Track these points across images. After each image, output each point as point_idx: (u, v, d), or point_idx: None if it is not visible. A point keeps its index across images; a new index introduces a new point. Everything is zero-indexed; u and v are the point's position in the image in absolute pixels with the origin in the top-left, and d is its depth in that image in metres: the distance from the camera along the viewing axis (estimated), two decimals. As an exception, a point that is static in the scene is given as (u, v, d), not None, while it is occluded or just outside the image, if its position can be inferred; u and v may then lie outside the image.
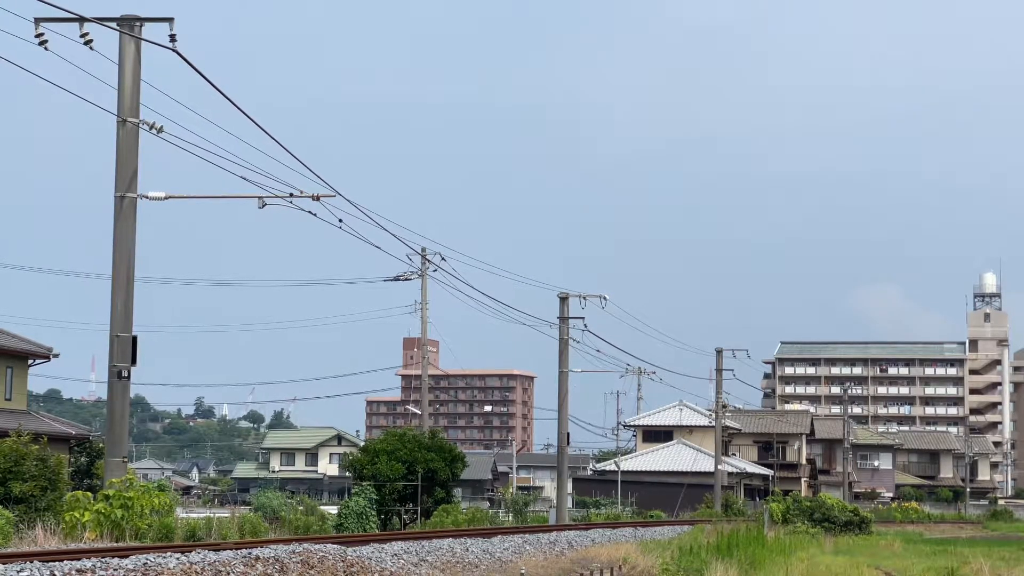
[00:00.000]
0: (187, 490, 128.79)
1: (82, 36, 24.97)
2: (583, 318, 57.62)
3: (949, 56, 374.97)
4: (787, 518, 64.96)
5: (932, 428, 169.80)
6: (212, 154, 26.81)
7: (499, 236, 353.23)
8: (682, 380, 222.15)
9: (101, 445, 50.98)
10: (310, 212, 29.49)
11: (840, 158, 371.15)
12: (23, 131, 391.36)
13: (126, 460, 28.00)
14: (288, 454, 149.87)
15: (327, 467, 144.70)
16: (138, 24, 27.31)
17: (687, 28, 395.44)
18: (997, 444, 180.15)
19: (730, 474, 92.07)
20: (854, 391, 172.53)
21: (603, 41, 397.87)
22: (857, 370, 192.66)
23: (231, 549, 19.98)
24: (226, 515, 37.95)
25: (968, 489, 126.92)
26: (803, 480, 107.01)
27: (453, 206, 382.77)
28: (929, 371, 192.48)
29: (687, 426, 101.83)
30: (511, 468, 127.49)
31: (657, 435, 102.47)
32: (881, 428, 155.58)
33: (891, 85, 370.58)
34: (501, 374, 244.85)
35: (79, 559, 16.89)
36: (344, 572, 19.56)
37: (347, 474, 63.41)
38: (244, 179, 27.73)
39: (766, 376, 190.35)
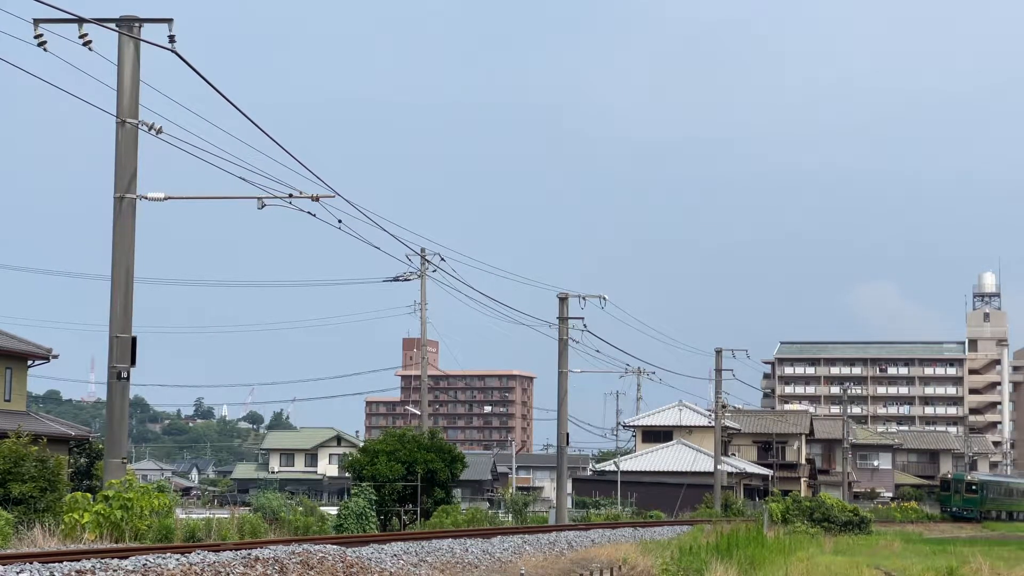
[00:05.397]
0: (187, 491, 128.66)
1: (81, 37, 24.95)
2: (583, 318, 57.57)
3: (950, 56, 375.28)
4: (787, 518, 64.98)
5: (932, 428, 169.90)
6: (211, 155, 26.81)
7: (499, 236, 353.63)
8: (682, 380, 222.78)
9: (100, 446, 50.98)
10: (309, 212, 29.48)
11: (839, 158, 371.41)
12: (23, 131, 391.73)
13: (125, 461, 27.97)
14: (287, 455, 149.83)
15: (327, 468, 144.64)
16: (137, 25, 27.27)
17: (687, 28, 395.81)
18: (997, 444, 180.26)
19: (730, 474, 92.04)
20: (853, 391, 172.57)
21: (604, 41, 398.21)
22: (856, 370, 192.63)
23: (231, 550, 19.98)
24: (225, 516, 37.94)
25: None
26: (803, 480, 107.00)
27: (453, 206, 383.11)
28: (929, 371, 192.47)
29: (687, 426, 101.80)
30: (511, 468, 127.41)
31: (657, 435, 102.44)
32: (881, 428, 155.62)
33: (890, 85, 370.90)
34: (500, 374, 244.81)
35: (79, 560, 16.90)
36: (344, 573, 19.56)
37: (347, 475, 63.37)
38: (243, 180, 27.72)
39: (766, 376, 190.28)
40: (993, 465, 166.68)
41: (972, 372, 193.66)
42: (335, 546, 22.39)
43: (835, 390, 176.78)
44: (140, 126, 27.46)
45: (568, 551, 32.10)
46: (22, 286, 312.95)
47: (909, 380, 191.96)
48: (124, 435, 28.08)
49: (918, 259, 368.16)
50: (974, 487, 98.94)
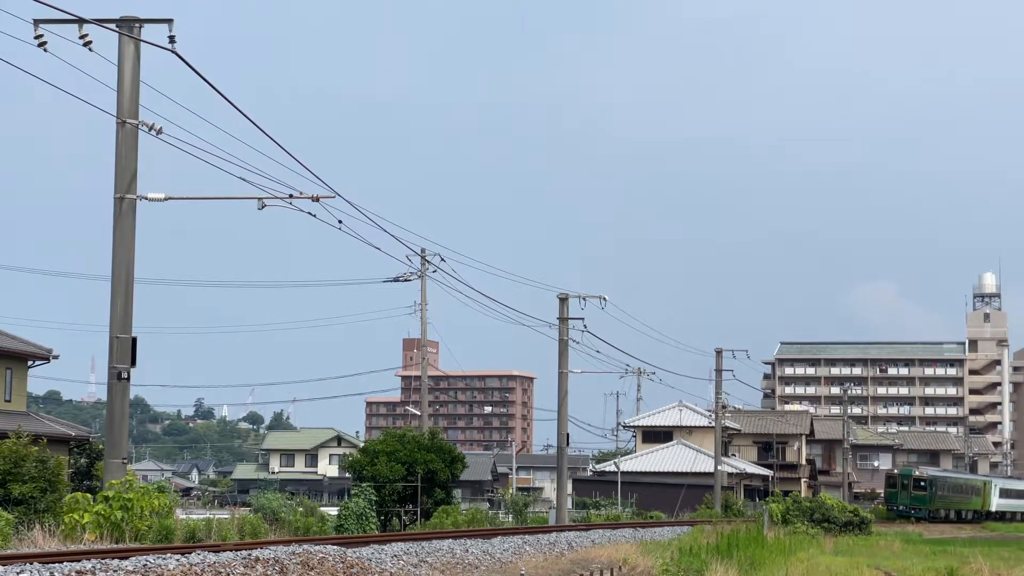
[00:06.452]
0: (187, 491, 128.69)
1: (81, 37, 24.94)
2: (583, 319, 57.54)
3: (949, 55, 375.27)
4: (787, 518, 64.97)
5: (932, 428, 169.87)
6: (211, 155, 26.79)
7: (499, 236, 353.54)
8: (682, 380, 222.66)
9: (101, 446, 50.91)
10: (309, 213, 29.45)
11: (840, 157, 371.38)
12: (23, 131, 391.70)
13: (126, 461, 27.96)
14: (288, 455, 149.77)
15: (327, 468, 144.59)
16: (137, 25, 27.26)
17: (686, 27, 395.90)
18: (997, 444, 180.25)
19: (730, 475, 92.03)
20: (854, 391, 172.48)
21: (604, 41, 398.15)
22: (857, 370, 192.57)
23: (231, 550, 19.98)
24: (226, 516, 37.93)
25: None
26: (803, 480, 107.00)
27: (453, 206, 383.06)
28: (929, 371, 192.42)
29: (687, 426, 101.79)
30: (511, 469, 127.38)
31: (657, 436, 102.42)
32: (881, 428, 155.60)
33: (889, 84, 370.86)
34: (501, 375, 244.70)
35: (79, 560, 16.90)
36: (344, 573, 19.57)
37: (347, 475, 63.37)
38: (243, 180, 27.71)
39: (766, 376, 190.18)
40: (993, 465, 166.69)
41: (972, 373, 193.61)
42: (335, 546, 22.39)
43: (835, 390, 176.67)
44: (140, 126, 27.45)
45: (568, 552, 32.10)
46: (22, 286, 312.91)
47: (909, 380, 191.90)
48: (124, 435, 28.07)
49: (918, 259, 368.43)
50: (923, 483, 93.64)
